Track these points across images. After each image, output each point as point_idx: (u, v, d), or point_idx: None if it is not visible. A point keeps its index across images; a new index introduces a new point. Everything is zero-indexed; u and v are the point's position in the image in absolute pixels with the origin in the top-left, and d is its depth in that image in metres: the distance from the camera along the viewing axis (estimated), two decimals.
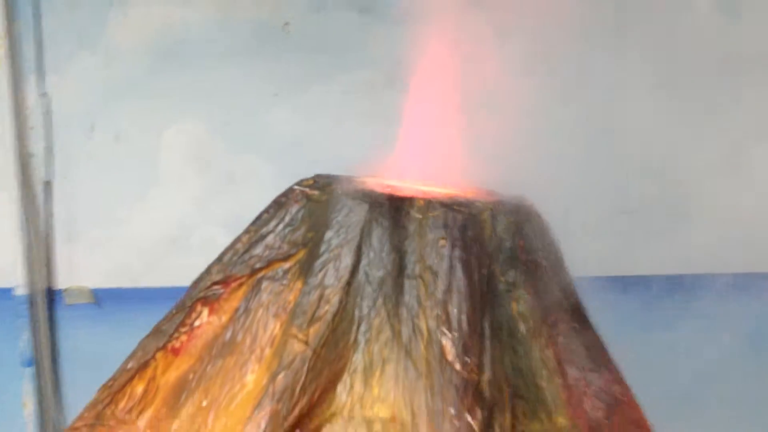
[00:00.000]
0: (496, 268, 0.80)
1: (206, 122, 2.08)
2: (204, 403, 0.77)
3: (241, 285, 0.84)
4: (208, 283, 0.86)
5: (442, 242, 0.78)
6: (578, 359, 0.80)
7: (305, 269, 0.80)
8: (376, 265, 0.78)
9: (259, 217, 0.89)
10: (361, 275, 0.78)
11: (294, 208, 0.85)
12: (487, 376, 0.75)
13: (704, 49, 2.06)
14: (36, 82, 2.02)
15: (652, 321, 2.12)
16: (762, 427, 2.11)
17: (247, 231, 0.89)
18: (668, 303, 2.13)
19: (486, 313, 0.78)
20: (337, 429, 0.72)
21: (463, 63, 1.37)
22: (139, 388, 0.84)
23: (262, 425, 0.69)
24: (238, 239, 0.89)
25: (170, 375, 0.83)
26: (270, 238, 0.85)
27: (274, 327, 0.78)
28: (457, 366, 0.73)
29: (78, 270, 2.08)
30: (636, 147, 2.01)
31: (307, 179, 0.89)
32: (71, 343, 2.09)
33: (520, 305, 0.80)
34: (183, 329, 0.85)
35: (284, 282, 0.81)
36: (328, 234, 0.80)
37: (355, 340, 0.76)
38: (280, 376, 0.73)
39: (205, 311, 0.84)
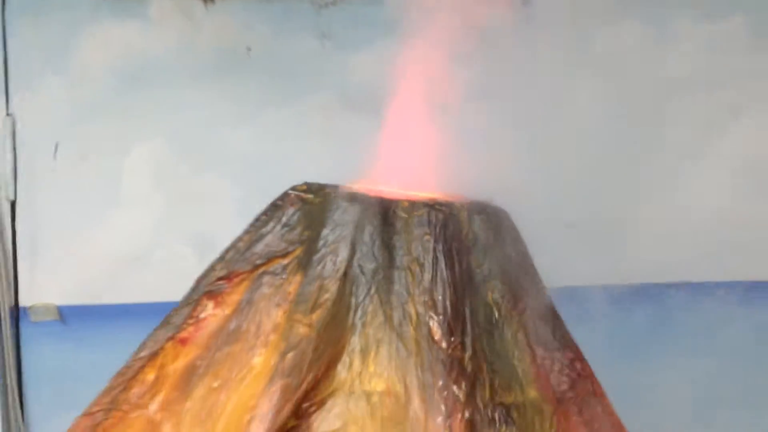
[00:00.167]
0: (472, 260, 0.91)
1: (169, 143, 2.15)
2: (215, 385, 0.86)
3: (243, 280, 0.93)
4: (213, 278, 0.95)
5: (426, 237, 0.89)
6: (545, 340, 0.92)
7: (303, 264, 0.90)
8: (369, 258, 0.88)
9: (257, 219, 0.98)
10: (355, 267, 0.88)
11: (290, 211, 0.95)
12: (468, 353, 0.85)
13: (639, 74, 2.23)
14: (2, 103, 2.07)
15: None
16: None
17: (247, 231, 0.98)
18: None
19: (466, 299, 0.89)
20: (339, 401, 0.81)
21: (426, 85, 1.47)
22: (150, 376, 0.92)
23: (275, 397, 0.78)
24: (239, 239, 0.98)
25: (179, 363, 0.91)
26: (269, 238, 0.95)
27: (277, 315, 0.87)
28: (443, 345, 0.84)
29: (42, 287, 2.12)
30: (579, 163, 2.15)
31: (300, 185, 0.99)
32: (36, 359, 2.12)
33: (494, 294, 0.91)
34: (190, 321, 0.93)
35: (284, 276, 0.90)
36: (325, 231, 0.90)
37: (353, 324, 0.86)
38: (289, 356, 0.82)
39: (211, 304, 0.93)
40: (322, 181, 1.17)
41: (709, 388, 2.29)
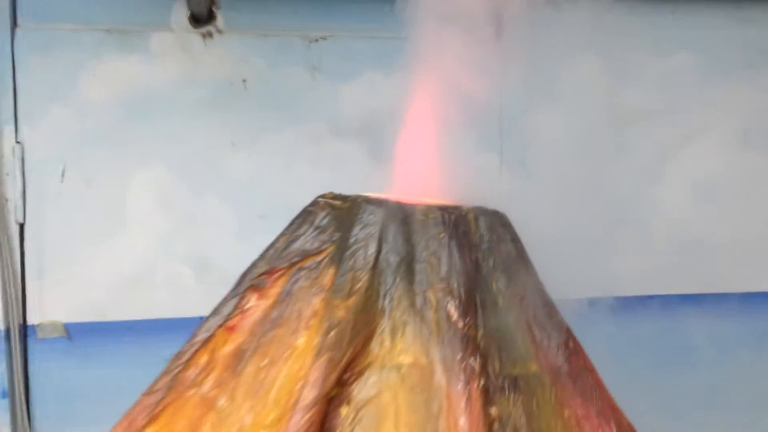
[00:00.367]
0: (479, 255, 1.07)
1: (170, 168, 2.25)
2: (263, 363, 1.00)
3: (281, 275, 1.08)
4: (256, 274, 1.09)
5: (441, 235, 1.04)
6: (541, 323, 1.07)
7: (335, 259, 1.05)
8: (394, 252, 1.03)
9: (292, 223, 1.13)
10: (382, 260, 1.03)
11: (321, 215, 1.10)
12: (481, 332, 1.01)
13: (600, 104, 2.41)
14: (11, 132, 2.16)
15: None
16: None
17: (283, 234, 1.12)
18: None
19: (476, 288, 1.05)
20: (374, 373, 0.96)
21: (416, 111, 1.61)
22: (203, 359, 1.05)
23: (322, 367, 0.93)
24: (276, 240, 1.12)
25: (228, 347, 1.05)
26: (303, 239, 1.09)
27: (316, 303, 1.02)
28: (460, 325, 0.99)
29: (49, 306, 2.20)
30: (551, 185, 2.31)
31: (327, 194, 1.14)
32: (43, 374, 2.20)
33: (498, 283, 1.07)
34: (236, 311, 1.07)
35: (318, 270, 1.05)
36: (355, 230, 1.05)
37: (382, 308, 1.01)
38: (331, 334, 0.97)
39: (254, 297, 1.07)
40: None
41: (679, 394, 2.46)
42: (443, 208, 1.06)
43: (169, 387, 1.03)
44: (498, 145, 2.37)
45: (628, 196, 2.47)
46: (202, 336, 1.05)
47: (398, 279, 1.01)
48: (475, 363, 0.96)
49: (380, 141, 2.33)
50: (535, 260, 2.28)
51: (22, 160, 2.17)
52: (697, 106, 2.51)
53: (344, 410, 0.93)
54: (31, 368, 2.19)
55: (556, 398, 1.02)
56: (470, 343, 0.97)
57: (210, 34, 2.26)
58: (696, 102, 2.50)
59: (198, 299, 2.18)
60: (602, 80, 2.34)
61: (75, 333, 2.21)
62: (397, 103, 2.31)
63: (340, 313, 0.97)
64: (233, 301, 1.06)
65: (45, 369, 2.20)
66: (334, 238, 1.06)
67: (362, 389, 0.94)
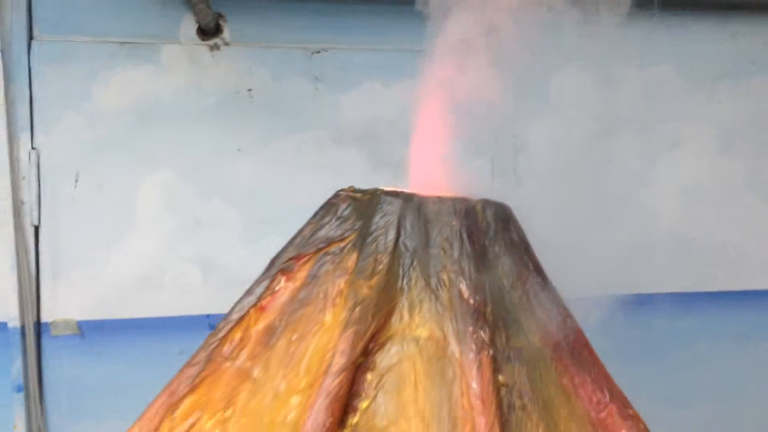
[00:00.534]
0: (487, 242, 1.19)
1: (178, 174, 2.33)
2: (293, 338, 1.11)
3: (308, 260, 1.19)
4: (285, 258, 1.20)
5: (453, 223, 1.16)
6: (542, 302, 1.19)
7: (358, 245, 1.16)
8: (411, 238, 1.15)
9: (316, 214, 1.24)
10: (401, 245, 1.14)
11: (343, 206, 1.21)
12: (489, 308, 1.12)
13: (590, 113, 2.54)
14: (28, 138, 2.23)
15: None
16: None
17: (309, 223, 1.23)
18: None
19: (484, 270, 1.16)
20: (395, 344, 1.07)
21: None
22: (237, 335, 1.16)
23: (350, 338, 1.04)
24: (303, 229, 1.23)
25: (260, 325, 1.16)
26: (327, 228, 1.21)
27: (340, 284, 1.13)
28: (471, 302, 1.11)
29: (63, 304, 2.27)
30: (545, 189, 2.42)
31: (347, 188, 1.26)
32: (56, 370, 2.27)
33: (503, 267, 1.19)
34: (267, 292, 1.18)
35: (342, 255, 1.16)
36: (375, 219, 1.16)
37: (401, 287, 1.12)
38: (356, 310, 1.08)
39: (283, 279, 1.18)
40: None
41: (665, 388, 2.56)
42: (454, 200, 1.18)
43: (207, 360, 1.13)
44: (490, 152, 2.49)
45: (616, 200, 2.57)
46: (236, 315, 1.16)
47: (415, 262, 1.12)
48: (484, 335, 1.07)
49: (379, 148, 2.46)
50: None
51: (38, 165, 2.24)
52: (683, 114, 2.63)
53: (369, 376, 1.04)
54: (45, 364, 2.26)
55: (555, 368, 1.13)
56: (480, 318, 1.09)
57: (217, 47, 2.35)
58: (681, 110, 2.62)
59: (203, 298, 2.30)
60: (592, 90, 2.47)
61: (87, 330, 2.29)
62: (394, 112, 2.45)
63: (364, 291, 1.08)
64: (264, 284, 1.17)
65: (58, 365, 2.27)
66: (356, 227, 1.17)
67: (385, 358, 1.05)
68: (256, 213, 2.38)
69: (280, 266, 1.17)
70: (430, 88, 1.57)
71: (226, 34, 2.35)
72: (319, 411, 0.97)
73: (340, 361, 1.00)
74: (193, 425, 1.10)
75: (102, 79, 2.29)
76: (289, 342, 1.08)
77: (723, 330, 2.74)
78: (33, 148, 2.24)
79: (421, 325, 1.07)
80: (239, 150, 2.37)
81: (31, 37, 2.24)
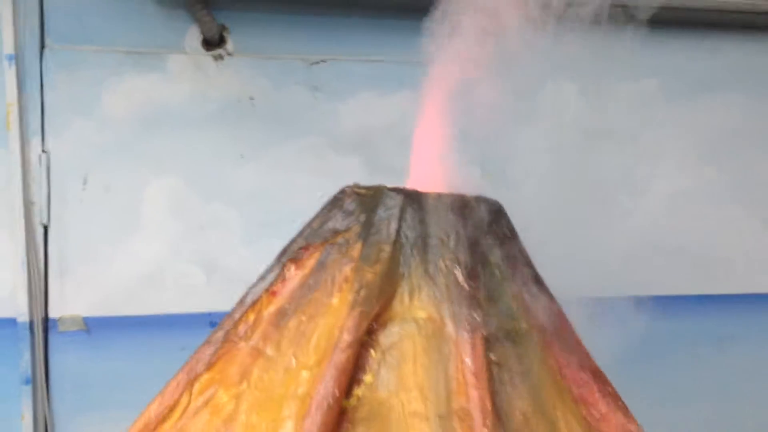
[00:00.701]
0: (480, 235, 1.29)
1: (183, 177, 2.43)
2: (303, 318, 1.21)
3: (316, 250, 1.29)
4: (295, 248, 1.30)
5: (450, 216, 1.27)
6: (530, 290, 1.30)
7: (362, 236, 1.26)
8: (411, 229, 1.25)
9: (323, 208, 1.35)
10: (402, 235, 1.25)
11: (348, 201, 1.32)
12: (482, 294, 1.23)
13: (576, 125, 2.66)
14: (38, 142, 2.33)
15: None
16: None
17: (316, 217, 1.34)
18: None
19: (477, 260, 1.27)
20: (396, 324, 1.17)
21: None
22: (251, 317, 1.26)
23: (357, 317, 1.14)
24: (311, 221, 1.34)
25: (272, 308, 1.26)
26: (333, 221, 1.31)
27: (346, 270, 1.23)
28: (465, 287, 1.21)
29: (70, 301, 2.36)
30: (535, 197, 2.52)
31: (352, 185, 1.36)
32: (63, 364, 2.35)
33: (495, 258, 1.29)
34: (278, 279, 1.28)
35: (347, 245, 1.27)
36: (379, 211, 1.27)
37: (402, 274, 1.22)
38: (362, 293, 1.18)
39: (293, 267, 1.28)
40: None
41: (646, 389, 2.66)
42: (451, 196, 1.29)
43: (223, 340, 1.23)
44: (479, 159, 2.59)
45: (601, 207, 2.69)
46: (250, 299, 1.26)
47: (415, 251, 1.23)
48: (477, 317, 1.17)
49: (374, 154, 2.57)
50: None
51: (48, 167, 2.33)
52: (666, 125, 2.76)
53: (373, 353, 1.14)
54: (52, 358, 2.35)
55: (542, 350, 1.24)
56: (474, 302, 1.19)
57: (221, 57, 2.46)
58: (665, 122, 2.75)
59: (205, 297, 2.40)
60: (579, 101, 2.62)
61: (93, 326, 2.37)
62: (390, 121, 2.56)
63: (368, 277, 1.18)
64: (276, 271, 1.27)
65: (64, 359, 2.36)
66: (360, 219, 1.27)
67: (387, 337, 1.15)
68: (256, 216, 2.47)
69: (289, 256, 1.27)
70: (426, 97, 1.69)
71: (230, 45, 2.46)
72: (328, 382, 1.07)
73: (346, 338, 1.10)
74: (210, 399, 1.20)
75: (110, 86, 2.39)
76: (299, 323, 1.18)
77: (705, 333, 2.84)
78: (43, 152, 2.33)
79: (420, 308, 1.17)
80: (241, 155, 2.46)
81: (43, 46, 2.34)
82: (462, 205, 1.29)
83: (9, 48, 2.28)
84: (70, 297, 2.37)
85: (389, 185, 1.34)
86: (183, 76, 2.44)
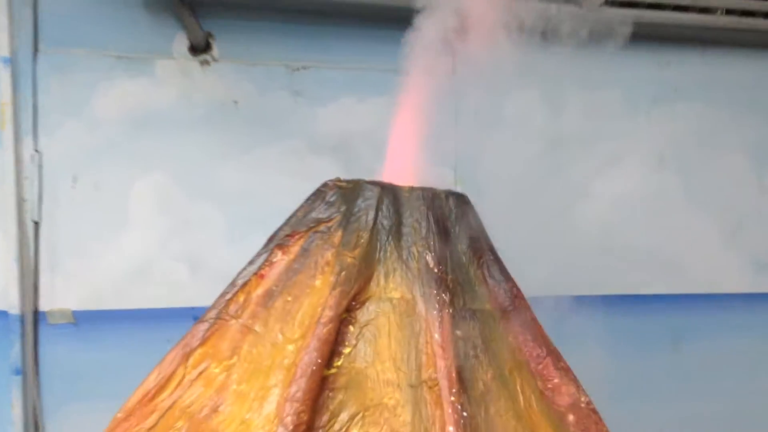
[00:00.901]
0: (449, 223, 1.43)
1: (169, 177, 2.51)
2: (288, 299, 1.34)
3: (300, 237, 1.42)
4: (282, 236, 1.43)
5: (422, 207, 1.41)
6: (494, 275, 1.44)
7: (343, 224, 1.40)
8: (387, 218, 1.39)
9: (308, 199, 1.48)
10: (379, 224, 1.38)
11: (330, 193, 1.45)
12: (450, 277, 1.37)
13: (540, 132, 2.82)
14: (31, 141, 2.42)
15: None
16: None
17: (301, 207, 1.47)
18: None
19: (446, 247, 1.41)
20: (373, 303, 1.30)
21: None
22: (241, 298, 1.39)
23: (337, 297, 1.27)
24: (297, 211, 1.47)
25: (260, 290, 1.39)
26: (316, 210, 1.44)
27: (328, 255, 1.37)
28: (435, 270, 1.35)
29: (59, 294, 2.44)
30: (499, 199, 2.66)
31: (334, 179, 1.50)
32: (52, 356, 2.42)
33: (462, 246, 1.43)
34: (266, 263, 1.41)
35: (329, 233, 1.40)
36: (358, 202, 1.40)
37: (378, 258, 1.36)
38: (342, 274, 1.32)
39: (280, 252, 1.42)
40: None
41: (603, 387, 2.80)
42: (423, 189, 1.43)
43: (216, 318, 1.36)
44: (452, 163, 2.74)
45: (564, 208, 2.85)
46: (240, 281, 1.39)
47: (390, 238, 1.37)
48: (446, 297, 1.31)
49: (352, 157, 2.71)
50: None
51: (40, 166, 2.42)
52: (621, 133, 2.92)
53: (351, 328, 1.28)
54: (42, 350, 2.42)
55: (503, 328, 1.38)
56: (442, 284, 1.33)
57: (207, 62, 2.57)
58: (620, 130, 2.92)
59: (190, 292, 2.51)
60: (542, 110, 2.77)
61: (81, 319, 2.45)
62: (367, 125, 2.70)
63: (348, 260, 1.32)
64: (264, 256, 1.41)
65: (54, 350, 2.43)
66: (341, 210, 1.41)
67: (364, 314, 1.29)
68: (240, 214, 2.59)
69: (277, 242, 1.41)
70: (400, 103, 1.83)
71: (215, 51, 2.57)
72: (311, 352, 1.20)
73: (328, 314, 1.24)
74: (203, 371, 1.33)
75: (101, 89, 2.48)
76: (285, 302, 1.32)
77: (660, 331, 3.00)
78: (36, 151, 2.42)
79: (394, 289, 1.31)
80: (225, 156, 2.57)
81: (36, 50, 2.43)
82: (432, 197, 1.43)
83: (4, 51, 2.37)
84: (59, 291, 2.44)
85: (366, 179, 1.48)
86: (170, 80, 2.53)
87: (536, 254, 2.59)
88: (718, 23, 2.67)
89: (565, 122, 2.85)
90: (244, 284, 1.38)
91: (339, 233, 1.36)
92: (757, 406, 3.10)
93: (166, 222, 2.55)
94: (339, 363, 1.23)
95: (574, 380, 1.40)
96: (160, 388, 1.34)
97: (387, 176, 1.56)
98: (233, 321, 1.34)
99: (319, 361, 1.19)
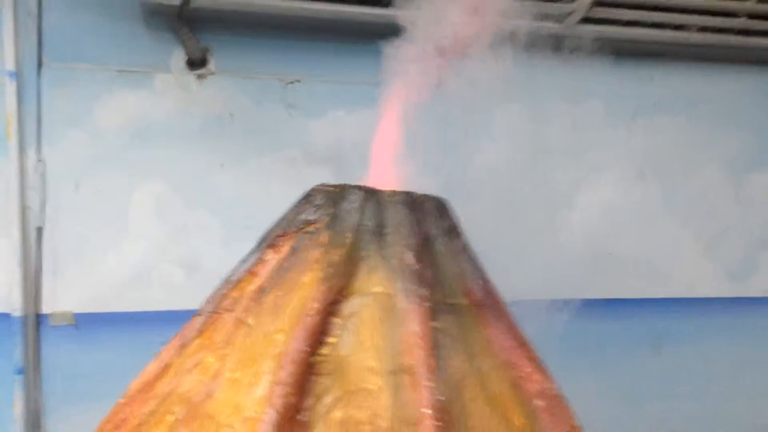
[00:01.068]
0: (428, 225, 1.54)
1: (167, 185, 2.62)
2: (279, 294, 1.44)
3: (290, 237, 1.53)
4: (273, 236, 1.54)
5: (403, 210, 1.52)
6: (468, 272, 1.55)
7: (330, 226, 1.50)
8: (370, 220, 1.49)
9: (297, 203, 1.58)
10: (362, 226, 1.48)
11: (318, 196, 1.56)
12: (428, 273, 1.47)
13: (524, 143, 2.93)
14: (35, 151, 2.55)
15: None
16: None
17: (291, 210, 1.58)
18: None
19: (425, 247, 1.52)
20: (357, 297, 1.39)
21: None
22: (235, 294, 1.49)
23: (324, 290, 1.36)
24: (287, 214, 1.57)
25: (252, 286, 1.49)
26: (305, 213, 1.55)
27: (316, 254, 1.46)
28: (415, 268, 1.44)
29: (61, 298, 2.55)
30: (485, 206, 2.76)
31: (322, 184, 1.61)
32: (53, 357, 2.53)
33: (440, 246, 1.54)
34: (258, 262, 1.52)
35: (317, 233, 1.51)
36: (344, 205, 1.51)
37: (362, 256, 1.46)
38: (329, 270, 1.42)
39: (271, 252, 1.52)
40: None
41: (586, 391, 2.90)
42: (404, 193, 1.54)
43: (212, 312, 1.47)
44: (440, 172, 2.85)
45: (548, 217, 2.97)
46: (234, 278, 1.50)
47: (373, 238, 1.47)
48: (424, 292, 1.40)
49: (343, 167, 2.82)
50: None
51: (43, 175, 2.53)
52: (605, 145, 3.05)
53: (336, 320, 1.38)
54: (43, 351, 2.52)
55: (477, 321, 1.48)
56: (421, 280, 1.43)
57: (204, 76, 2.68)
58: (602, 142, 3.04)
59: (187, 296, 2.60)
60: (528, 122, 2.89)
61: (82, 322, 2.55)
62: (358, 137, 2.81)
63: (335, 258, 1.43)
64: (256, 255, 1.51)
65: (55, 351, 2.53)
66: (328, 212, 1.51)
67: (349, 307, 1.39)
68: (235, 221, 2.69)
69: (268, 242, 1.51)
70: (386, 115, 1.94)
71: (212, 65, 2.68)
72: (299, 340, 1.31)
73: (315, 306, 1.35)
74: (199, 361, 1.43)
75: (102, 101, 2.59)
76: (276, 297, 1.42)
77: (641, 334, 3.11)
78: (39, 161, 2.52)
79: (376, 284, 1.42)
80: (222, 166, 2.67)
81: (40, 64, 2.55)
82: (413, 201, 1.54)
83: (10, 65, 2.48)
84: (61, 294, 2.54)
85: (352, 184, 1.59)
86: (169, 93, 2.64)
87: (522, 260, 2.72)
88: (693, 40, 2.79)
89: (550, 134, 2.97)
90: (238, 281, 1.49)
91: (326, 234, 1.47)
92: (735, 405, 3.20)
93: (164, 228, 2.66)
94: (325, 351, 1.34)
95: (543, 369, 1.50)
96: (159, 376, 1.45)
97: (372, 183, 1.67)
98: (227, 314, 1.45)
99: (307, 349, 1.30)
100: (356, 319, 1.41)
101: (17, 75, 2.52)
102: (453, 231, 1.59)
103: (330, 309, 1.41)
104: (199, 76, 2.68)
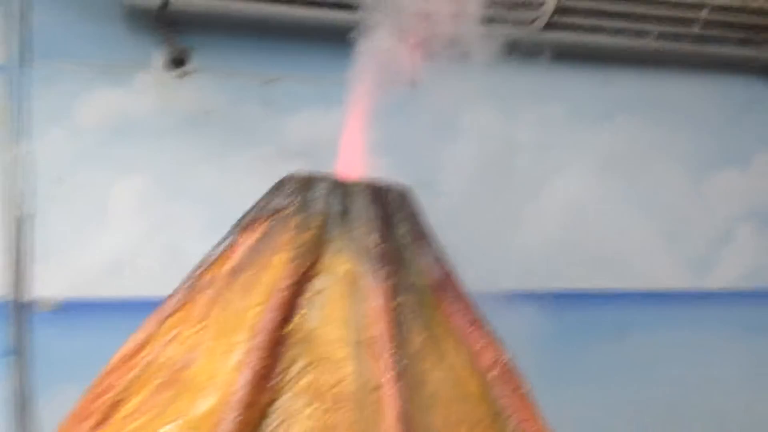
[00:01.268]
0: (391, 210, 1.65)
1: (148, 178, 2.71)
2: (250, 273, 1.54)
3: (262, 223, 1.64)
4: (246, 221, 1.66)
5: (368, 196, 1.65)
6: (427, 255, 1.66)
7: (299, 211, 1.63)
8: (336, 207, 1.60)
9: (269, 191, 1.71)
10: (329, 211, 1.62)
11: (289, 184, 1.68)
12: (391, 254, 1.58)
13: (493, 142, 3.06)
14: (21, 145, 2.62)
15: None
16: None
17: (263, 197, 1.70)
18: None
19: (388, 231, 1.64)
20: (324, 275, 1.51)
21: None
22: (209, 276, 1.61)
23: (293, 268, 1.48)
24: (259, 201, 1.68)
25: (226, 267, 1.60)
26: (276, 200, 1.66)
27: (286, 236, 1.58)
28: (378, 249, 1.55)
29: (48, 284, 2.62)
30: (455, 201, 2.88)
31: (293, 172, 1.73)
32: (40, 340, 2.60)
33: (402, 230, 1.65)
34: (233, 245, 1.64)
35: (287, 219, 1.62)
36: (310, 193, 1.64)
37: (329, 238, 1.58)
38: (299, 250, 1.53)
39: (245, 235, 1.63)
40: None
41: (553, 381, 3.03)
42: (368, 181, 1.67)
43: (188, 289, 1.58)
44: (410, 170, 2.97)
45: (514, 211, 3.09)
46: (210, 258, 1.62)
47: (339, 222, 1.59)
48: (390, 270, 1.53)
49: (317, 162, 2.93)
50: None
51: (29, 167, 2.62)
52: (567, 143, 3.16)
53: (306, 295, 1.50)
54: (31, 335, 2.60)
55: (436, 299, 1.60)
56: (384, 260, 1.55)
57: (183, 74, 2.78)
58: (566, 140, 3.16)
59: (168, 283, 2.69)
60: (496, 121, 3.01)
61: (68, 307, 2.63)
62: (332, 134, 2.92)
63: (304, 240, 1.55)
64: (230, 238, 1.63)
65: (42, 335, 2.60)
66: (297, 199, 1.63)
67: (317, 284, 1.51)
68: (214, 213, 2.79)
69: (242, 227, 1.64)
70: (354, 111, 2.02)
71: (192, 64, 2.76)
72: (270, 312, 1.42)
73: (285, 282, 1.46)
74: (177, 335, 1.55)
75: (84, 98, 2.66)
76: (248, 276, 1.54)
77: (605, 324, 3.25)
78: (27, 152, 2.62)
79: (342, 264, 1.54)
80: (200, 161, 2.77)
81: (24, 61, 2.64)
82: (377, 189, 1.66)
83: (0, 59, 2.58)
84: (48, 281, 2.61)
85: (321, 173, 1.72)
86: (149, 91, 2.72)
87: (489, 252, 2.82)
88: (651, 47, 2.93)
89: (517, 132, 3.09)
90: (214, 261, 1.60)
91: (296, 218, 1.58)
92: (693, 391, 3.35)
93: (146, 220, 2.74)
94: (294, 324, 1.46)
95: (498, 342, 1.63)
96: (140, 348, 1.56)
97: (340, 174, 1.79)
98: (204, 292, 1.56)
99: (278, 321, 1.42)
100: (324, 295, 1.53)
101: (3, 70, 2.61)
102: (415, 217, 1.71)
103: (299, 286, 1.53)
104: (179, 75, 2.78)
